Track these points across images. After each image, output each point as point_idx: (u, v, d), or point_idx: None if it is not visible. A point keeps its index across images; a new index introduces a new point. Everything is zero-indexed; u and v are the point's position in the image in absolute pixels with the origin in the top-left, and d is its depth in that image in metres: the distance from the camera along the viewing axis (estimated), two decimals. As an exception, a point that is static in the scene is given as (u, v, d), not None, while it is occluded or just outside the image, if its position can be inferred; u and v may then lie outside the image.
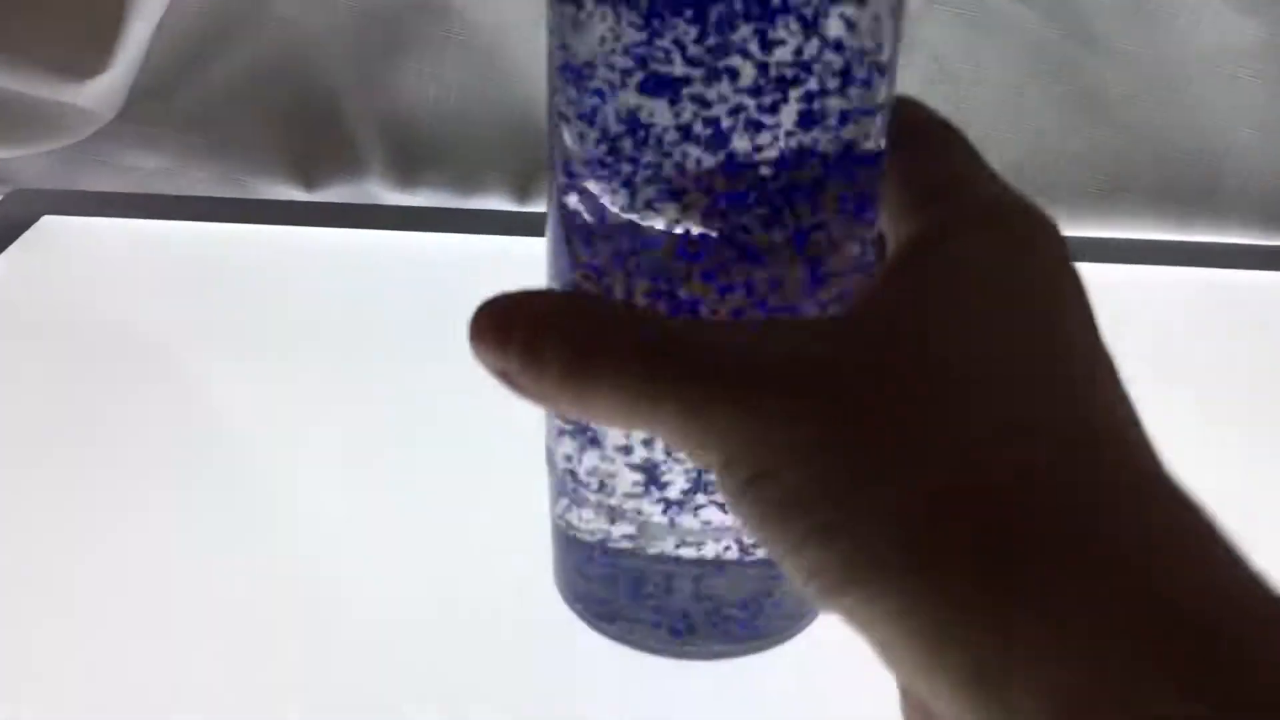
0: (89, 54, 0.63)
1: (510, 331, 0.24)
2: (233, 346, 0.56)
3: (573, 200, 0.28)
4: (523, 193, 0.69)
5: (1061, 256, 0.25)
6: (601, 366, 0.23)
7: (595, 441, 0.32)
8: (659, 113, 0.25)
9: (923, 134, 0.28)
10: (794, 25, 0.25)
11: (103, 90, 0.64)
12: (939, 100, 0.75)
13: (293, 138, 0.69)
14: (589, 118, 0.26)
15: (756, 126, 0.25)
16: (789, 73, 0.25)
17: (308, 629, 0.41)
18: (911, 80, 0.76)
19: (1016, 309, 0.23)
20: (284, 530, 0.45)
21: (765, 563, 0.34)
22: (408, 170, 0.69)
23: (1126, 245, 0.66)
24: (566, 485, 0.34)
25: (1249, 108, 0.64)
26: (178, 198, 0.69)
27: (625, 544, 0.34)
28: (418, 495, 0.46)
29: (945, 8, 0.63)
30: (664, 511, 0.32)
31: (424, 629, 0.40)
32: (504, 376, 0.24)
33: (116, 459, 0.48)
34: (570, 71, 0.26)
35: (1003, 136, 0.66)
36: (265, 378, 0.54)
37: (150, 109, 0.68)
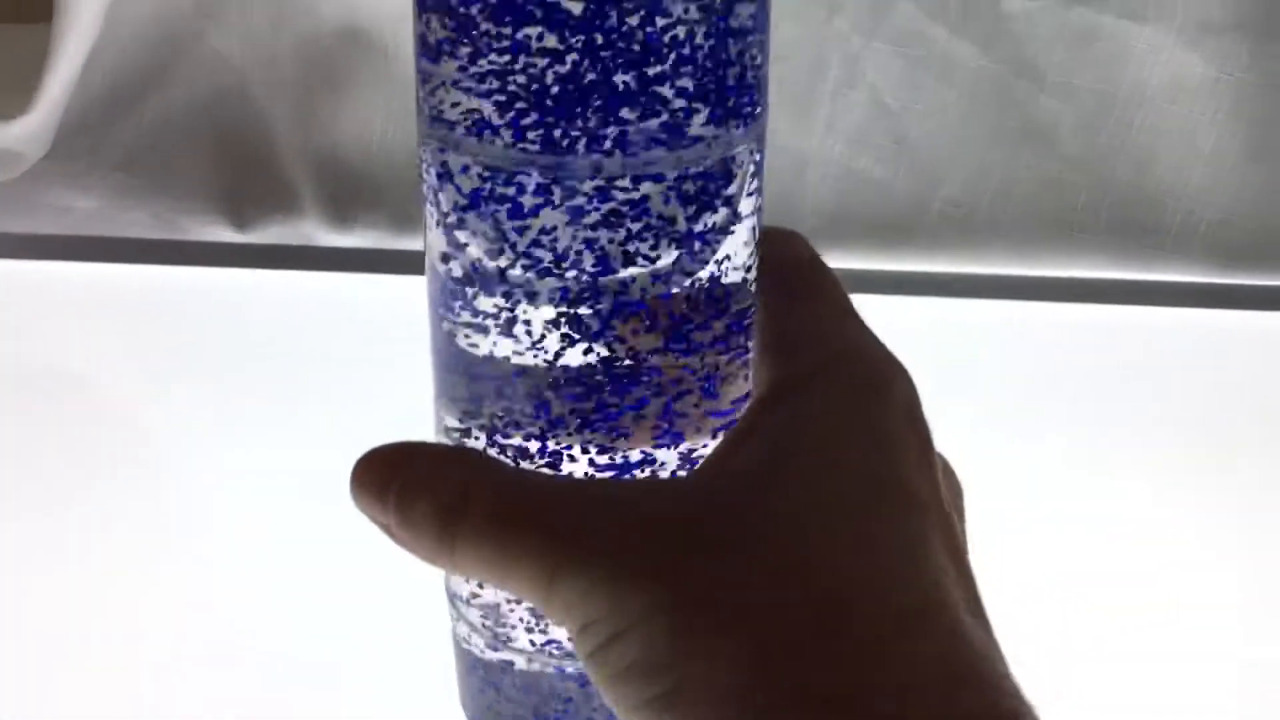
0: (10, 95, 0.64)
1: (387, 488, 0.26)
2: (166, 388, 0.58)
3: (459, 335, 0.28)
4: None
5: (911, 405, 0.27)
6: (465, 529, 0.24)
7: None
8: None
9: (791, 275, 0.29)
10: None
11: (27, 131, 0.64)
12: (880, 135, 0.74)
13: (226, 177, 0.70)
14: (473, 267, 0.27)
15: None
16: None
17: (229, 660, 0.44)
18: (853, 117, 0.76)
19: (863, 468, 0.24)
20: (218, 566, 0.48)
21: None
22: (343, 210, 0.70)
23: (1073, 284, 0.68)
24: (461, 610, 0.35)
25: (1198, 146, 0.66)
26: (106, 240, 0.70)
27: (522, 664, 0.35)
28: (349, 533, 0.48)
29: (884, 43, 0.65)
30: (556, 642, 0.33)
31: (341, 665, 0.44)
32: (385, 529, 0.26)
33: (48, 494, 0.51)
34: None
35: (945, 172, 0.67)
36: (200, 420, 0.56)
37: (80, 148, 0.68)
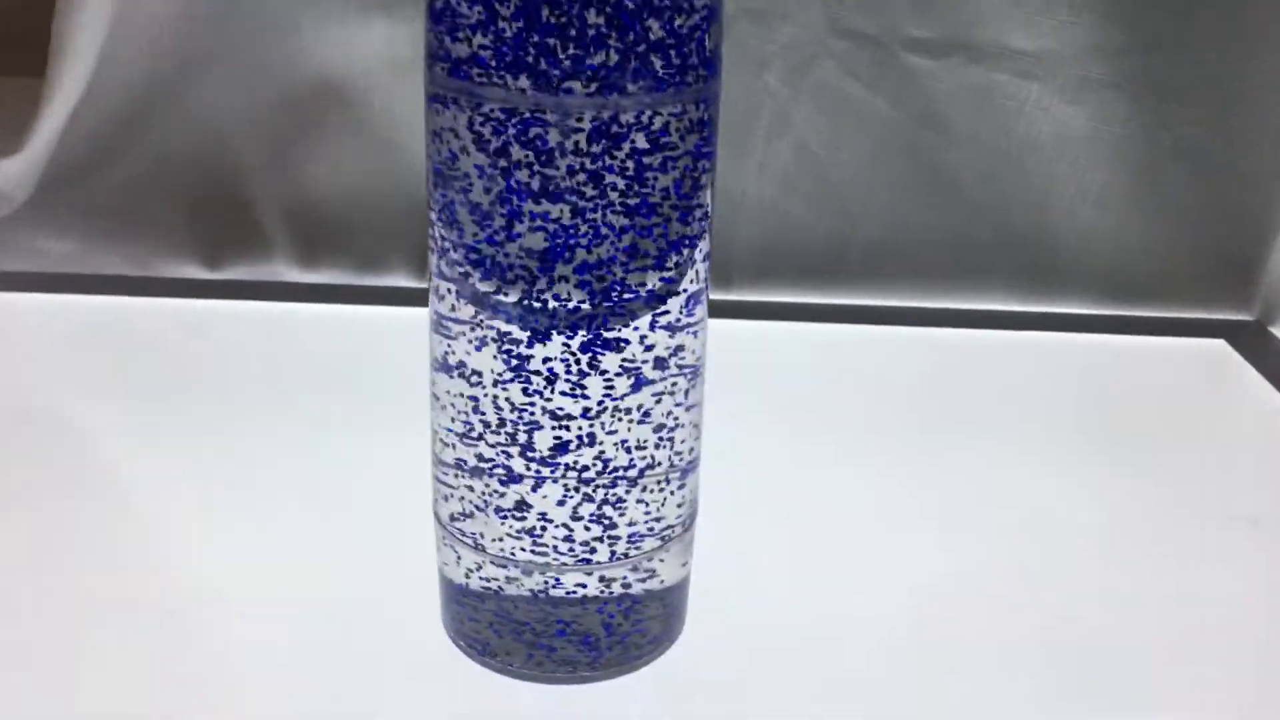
0: (2, 140, 0.65)
1: None
2: (140, 413, 0.58)
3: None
4: (423, 270, 0.72)
5: None
6: None
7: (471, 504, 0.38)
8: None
9: None
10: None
11: (15, 172, 0.67)
12: (806, 179, 0.80)
13: (200, 222, 0.71)
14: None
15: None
16: None
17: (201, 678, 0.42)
18: (781, 162, 0.81)
19: None
20: (185, 585, 0.46)
21: (623, 597, 0.39)
22: (312, 252, 0.71)
23: (975, 314, 0.71)
24: (448, 538, 0.40)
25: (1084, 189, 0.69)
26: (84, 275, 0.71)
27: (498, 586, 0.39)
28: (310, 546, 0.48)
29: (808, 97, 0.67)
30: (530, 551, 0.38)
31: (319, 668, 0.42)
32: None
33: (25, 516, 0.50)
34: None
35: (864, 214, 0.69)
36: (172, 443, 0.55)
37: (61, 195, 0.69)
